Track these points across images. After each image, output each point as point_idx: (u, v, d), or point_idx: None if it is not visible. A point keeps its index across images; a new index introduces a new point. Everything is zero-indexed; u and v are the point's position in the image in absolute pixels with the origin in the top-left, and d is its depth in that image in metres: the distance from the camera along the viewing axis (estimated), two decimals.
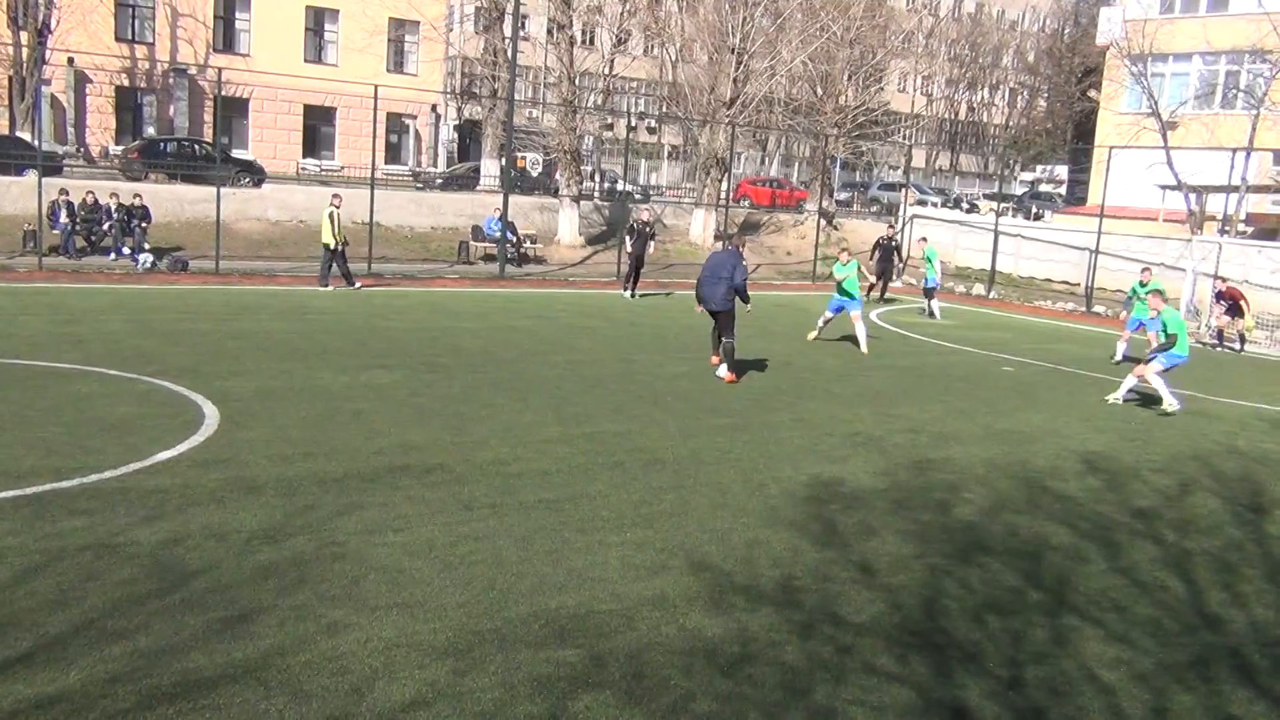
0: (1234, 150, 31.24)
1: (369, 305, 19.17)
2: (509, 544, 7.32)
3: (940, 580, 7.31)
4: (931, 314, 24.14)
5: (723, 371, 14.05)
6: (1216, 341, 23.20)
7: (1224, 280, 23.25)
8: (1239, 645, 6.61)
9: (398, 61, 47.66)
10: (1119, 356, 18.71)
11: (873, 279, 25.75)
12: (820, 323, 18.62)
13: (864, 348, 17.56)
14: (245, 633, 5.68)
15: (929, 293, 24.39)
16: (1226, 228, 31.60)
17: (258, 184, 31.52)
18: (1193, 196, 33.01)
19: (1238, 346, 22.69)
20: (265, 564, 6.66)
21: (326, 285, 21.02)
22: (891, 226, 29.37)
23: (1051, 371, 17.31)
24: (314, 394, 11.51)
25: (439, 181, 39.85)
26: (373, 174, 25.92)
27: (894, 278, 27.87)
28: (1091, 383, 16.49)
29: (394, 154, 47.19)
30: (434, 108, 48.77)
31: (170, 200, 26.27)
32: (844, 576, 7.23)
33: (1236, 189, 31.94)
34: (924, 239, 26.90)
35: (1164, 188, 34.60)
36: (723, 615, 6.41)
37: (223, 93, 26.18)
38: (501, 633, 5.93)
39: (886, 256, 26.92)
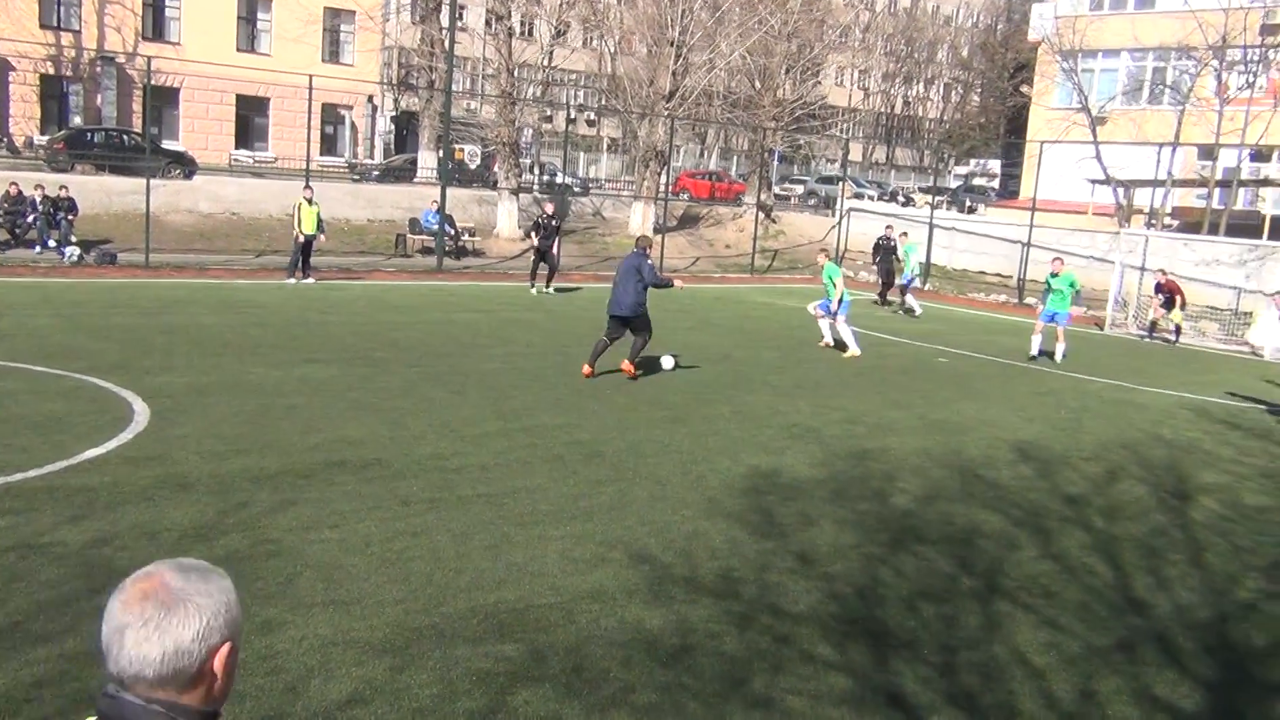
0: (1160, 145, 31.98)
1: (304, 299, 18.92)
2: (447, 539, 7.28)
3: (876, 569, 7.40)
4: (910, 310, 23.85)
5: (625, 365, 13.50)
6: (1147, 333, 23.72)
7: (1164, 273, 23.59)
8: (1164, 628, 6.78)
9: (333, 51, 47.00)
10: (1034, 351, 18.14)
11: (877, 280, 25.72)
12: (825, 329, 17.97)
13: (827, 341, 17.68)
14: None
15: (905, 289, 24.23)
16: (1153, 221, 32.35)
17: (189, 175, 30.89)
18: (1121, 190, 33.75)
19: (1173, 338, 23.19)
20: None
21: (305, 279, 20.94)
22: (890, 227, 27.43)
23: (985, 363, 17.60)
24: (247, 389, 11.33)
25: (375, 173, 39.43)
26: (308, 166, 25.54)
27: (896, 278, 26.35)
28: (1023, 374, 16.79)
29: (329, 145, 46.53)
30: (370, 98, 48.19)
31: (98, 192, 25.66)
32: (782, 566, 7.29)
33: (1163, 183, 32.72)
34: (905, 234, 26.23)
35: (1093, 182, 35.35)
36: (662, 607, 6.43)
37: (152, 82, 25.60)
38: (440, 628, 5.90)
39: (887, 257, 25.90)
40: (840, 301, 17.22)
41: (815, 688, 5.58)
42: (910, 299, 24.09)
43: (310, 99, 24.63)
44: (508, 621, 6.05)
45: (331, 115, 46.49)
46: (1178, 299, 23.16)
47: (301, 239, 20.91)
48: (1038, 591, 7.23)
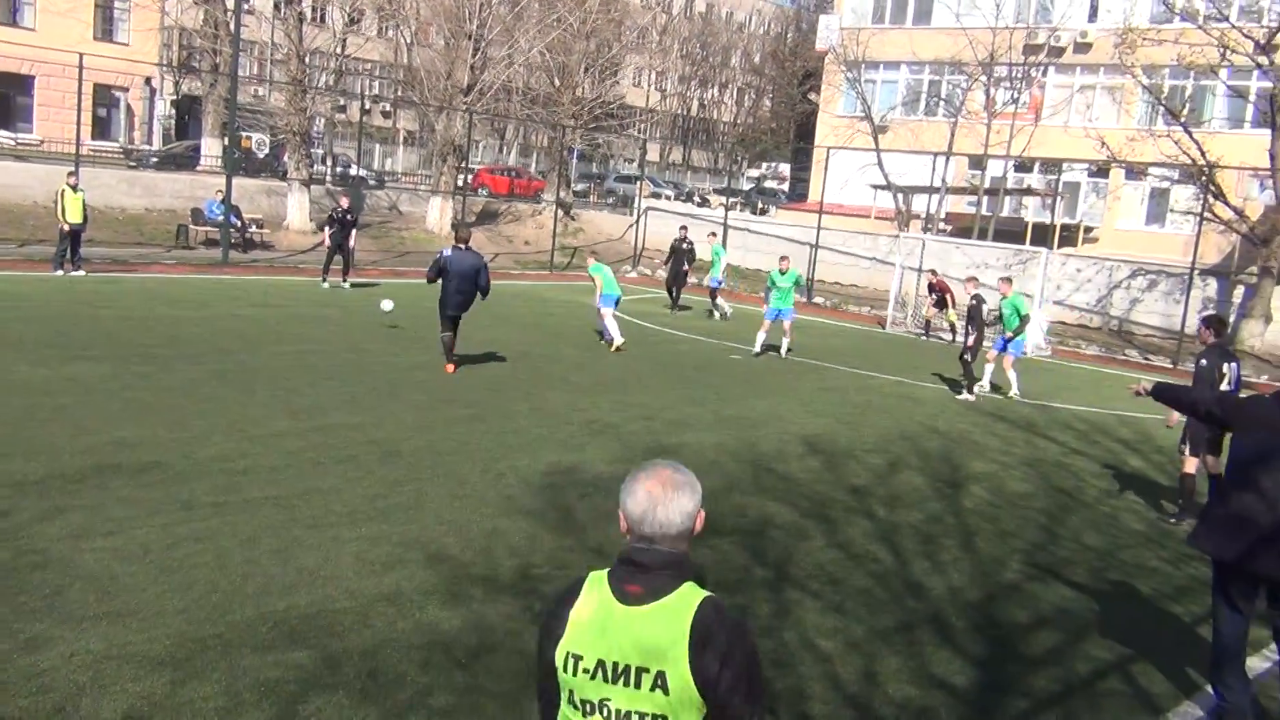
0: (935, 155, 33.93)
1: (73, 292, 17.69)
2: (234, 544, 6.97)
3: None
4: (724, 314, 23.43)
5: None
6: (923, 331, 25.09)
7: (934, 273, 24.85)
8: (939, 609, 7.20)
9: (106, 29, 44.16)
10: (757, 348, 18.24)
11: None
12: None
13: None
14: None
15: (714, 292, 23.66)
16: (929, 226, 34.29)
17: None
18: (900, 196, 35.61)
19: (947, 336, 24.56)
20: None
21: (74, 270, 19.68)
22: (684, 228, 25.37)
23: (775, 359, 18.20)
24: (8, 389, 10.51)
25: (154, 160, 37.29)
26: (77, 150, 23.93)
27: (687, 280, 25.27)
28: (811, 370, 17.48)
29: (102, 129, 43.66)
30: (148, 81, 45.52)
31: None
32: (582, 563, 7.33)
33: (937, 190, 34.72)
34: (713, 234, 25.70)
35: (875, 187, 37.16)
36: (461, 607, 6.36)
37: None
38: (225, 638, 5.64)
39: (679, 259, 24.44)
40: (602, 295, 17.67)
41: None
42: (721, 301, 24.03)
43: (80, 79, 23.06)
44: (299, 628, 5.85)
45: (105, 97, 43.65)
46: (949, 298, 24.55)
47: (67, 228, 19.63)
48: (825, 579, 7.54)
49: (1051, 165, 38.23)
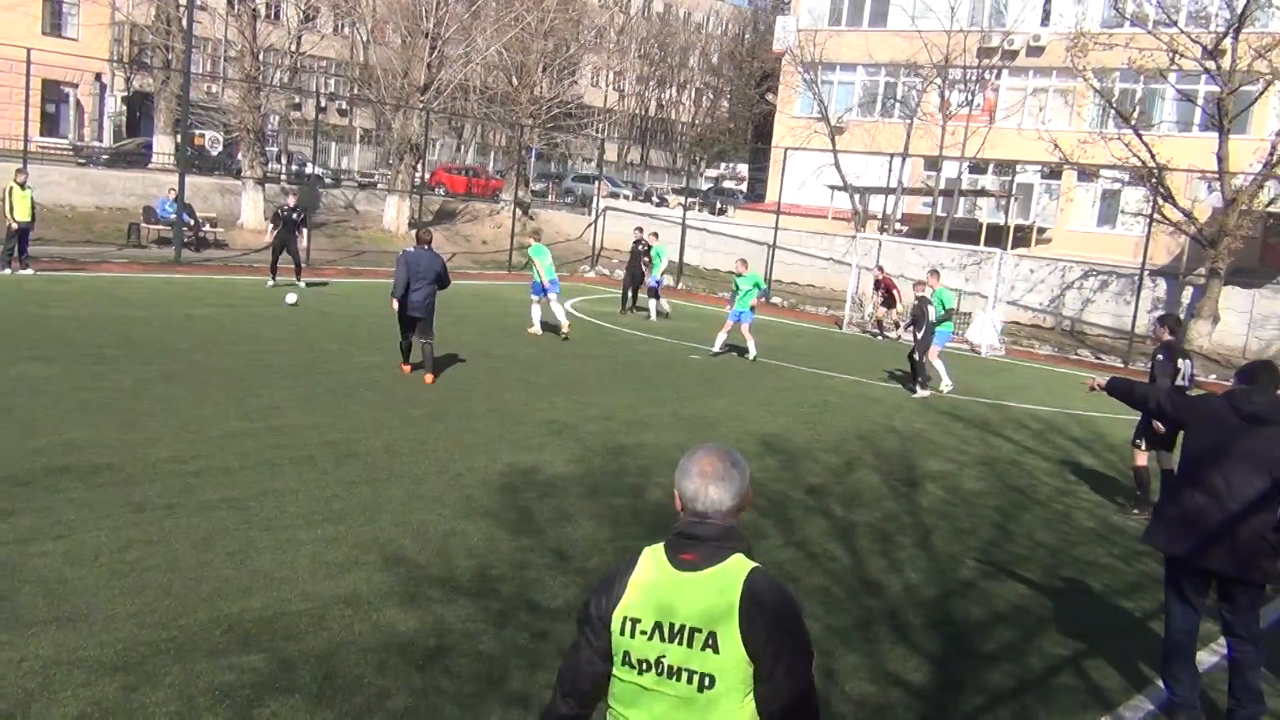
0: (891, 156, 34.22)
1: (21, 291, 17.37)
2: (187, 547, 6.88)
3: None
4: (662, 313, 23.39)
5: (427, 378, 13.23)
6: (878, 331, 25.29)
7: (881, 270, 25.00)
8: (896, 607, 7.26)
9: (55, 23, 43.41)
10: (717, 348, 18.24)
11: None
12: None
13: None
14: None
15: (654, 292, 23.43)
16: (885, 226, 34.58)
17: None
18: (857, 197, 35.88)
19: (894, 335, 24.79)
20: None
21: (22, 269, 19.35)
22: (640, 229, 25.25)
23: (734, 359, 18.27)
24: None
25: (105, 157, 36.74)
26: (25, 147, 23.52)
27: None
28: (769, 370, 17.56)
29: (51, 125, 42.96)
30: (99, 76, 44.82)
31: None
32: (540, 563, 7.32)
33: (894, 191, 35.03)
34: (655, 234, 25.34)
35: (832, 188, 37.40)
36: (418, 609, 6.32)
37: None
38: (179, 642, 5.56)
39: (636, 260, 24.08)
40: (551, 281, 18.06)
41: None
42: (661, 302, 23.95)
43: (28, 74, 22.66)
44: (254, 631, 5.78)
45: (54, 93, 42.94)
46: (894, 294, 24.75)
47: (15, 226, 19.30)
48: (782, 577, 7.54)
49: (1005, 167, 38.69)
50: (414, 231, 26.76)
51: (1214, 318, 25.90)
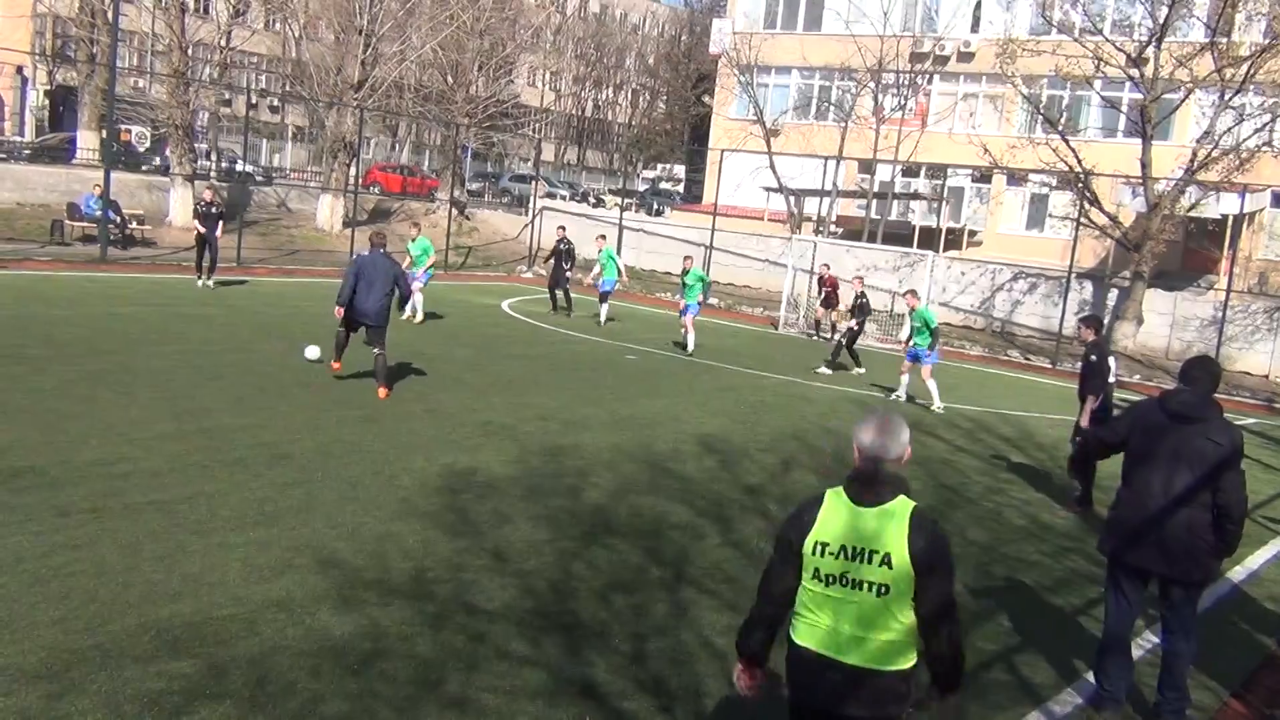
0: (826, 158, 34.55)
1: None
2: (113, 551, 6.72)
3: (570, 563, 7.52)
4: (608, 318, 22.77)
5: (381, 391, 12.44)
6: (814, 332, 25.50)
7: (827, 267, 24.91)
8: None
9: None
10: (690, 347, 18.76)
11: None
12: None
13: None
14: None
15: (605, 295, 22.78)
16: (820, 228, 34.90)
17: None
18: (792, 199, 36.16)
19: (830, 336, 24.96)
20: None
21: None
22: (562, 228, 25.29)
23: (671, 359, 18.32)
24: None
25: (26, 152, 35.77)
26: None
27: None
28: (706, 370, 17.63)
29: None
30: (20, 70, 43.62)
31: None
32: (477, 565, 7.26)
33: (828, 194, 35.37)
34: (602, 236, 25.36)
35: (768, 190, 37.65)
36: (352, 613, 6.24)
37: None
38: (105, 649, 5.43)
39: (560, 260, 23.85)
40: (425, 270, 19.30)
41: (510, 684, 5.60)
42: (604, 308, 23.47)
43: None
44: (183, 637, 5.66)
45: None
46: (835, 296, 24.95)
47: None
48: (720, 578, 7.61)
49: (937, 170, 39.28)
50: (350, 230, 26.45)
51: (1138, 320, 26.53)
